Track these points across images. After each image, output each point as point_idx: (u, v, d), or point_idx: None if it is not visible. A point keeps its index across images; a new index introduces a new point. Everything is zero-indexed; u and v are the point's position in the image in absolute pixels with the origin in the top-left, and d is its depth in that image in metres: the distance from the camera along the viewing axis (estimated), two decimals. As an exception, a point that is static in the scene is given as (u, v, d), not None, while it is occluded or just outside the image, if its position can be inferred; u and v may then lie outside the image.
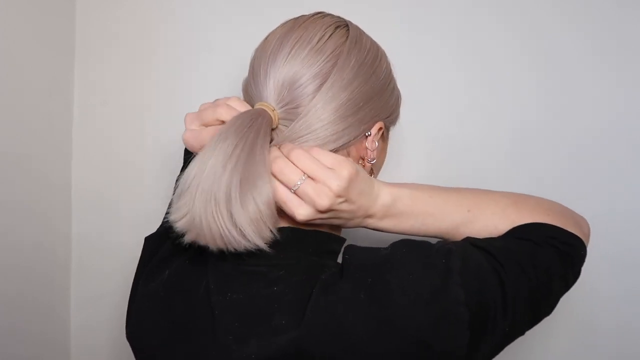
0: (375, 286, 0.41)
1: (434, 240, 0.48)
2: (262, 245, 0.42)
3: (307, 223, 0.46)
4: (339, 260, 0.50)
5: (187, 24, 0.98)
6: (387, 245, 0.47)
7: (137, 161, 1.04)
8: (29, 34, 0.92)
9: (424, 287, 0.41)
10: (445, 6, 0.84)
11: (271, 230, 0.43)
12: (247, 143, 0.42)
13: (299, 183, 0.44)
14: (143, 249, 0.56)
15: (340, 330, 0.40)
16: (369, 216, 0.49)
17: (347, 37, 0.49)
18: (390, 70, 0.54)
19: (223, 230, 0.41)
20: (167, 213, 0.65)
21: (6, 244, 0.91)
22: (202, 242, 0.43)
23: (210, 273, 0.47)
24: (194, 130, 0.49)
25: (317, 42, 0.48)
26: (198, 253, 0.50)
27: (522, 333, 0.46)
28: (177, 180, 0.70)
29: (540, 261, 0.47)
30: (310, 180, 0.44)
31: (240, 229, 0.41)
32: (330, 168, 0.44)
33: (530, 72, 0.82)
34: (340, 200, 0.44)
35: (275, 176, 0.45)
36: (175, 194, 0.44)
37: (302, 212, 0.44)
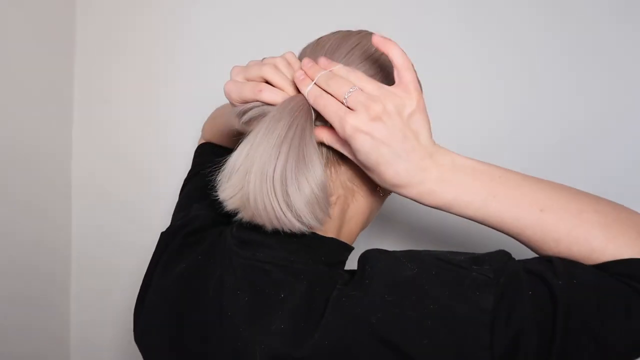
0: (390, 309, 0.39)
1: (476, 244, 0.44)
2: (317, 225, 0.42)
3: (347, 151, 0.44)
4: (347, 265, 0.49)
5: (187, 23, 0.98)
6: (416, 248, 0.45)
7: (137, 160, 1.04)
8: (29, 34, 0.92)
9: (445, 322, 0.37)
10: (449, 5, 0.84)
11: (324, 212, 0.42)
12: (299, 125, 0.42)
13: (350, 91, 0.42)
14: (157, 245, 0.56)
15: (347, 353, 0.38)
16: (424, 170, 0.43)
17: None
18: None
19: (278, 211, 0.40)
20: (177, 211, 0.65)
21: (7, 242, 0.91)
22: (258, 221, 0.43)
23: (223, 269, 0.47)
24: (237, 82, 0.47)
25: (374, 52, 0.49)
26: (210, 248, 0.50)
27: None
28: (186, 179, 0.70)
29: (637, 323, 0.38)
30: (363, 91, 0.42)
31: (296, 211, 0.41)
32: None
33: (531, 73, 0.82)
34: (397, 117, 0.42)
35: (323, 88, 0.43)
36: (224, 173, 0.43)
37: (351, 120, 0.41)
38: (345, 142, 0.44)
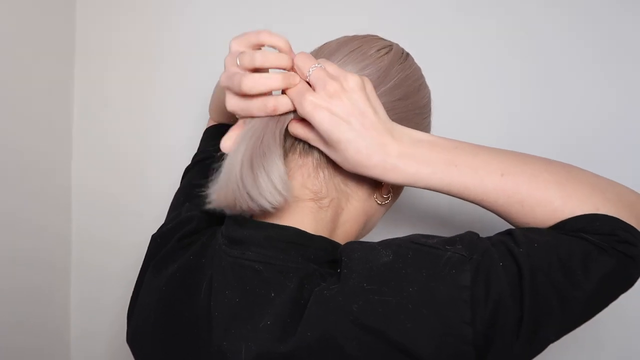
0: (371, 296, 0.39)
1: (451, 226, 0.46)
2: (267, 206, 0.43)
3: (309, 131, 0.45)
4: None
5: (187, 24, 0.98)
6: (392, 237, 0.45)
7: (137, 161, 1.04)
8: (29, 34, 0.92)
9: (426, 303, 0.38)
10: (439, 7, 0.84)
11: (282, 195, 0.43)
12: (265, 117, 0.44)
13: (314, 66, 0.44)
14: (149, 247, 0.56)
15: (331, 344, 0.39)
16: (384, 146, 0.43)
17: (401, 57, 0.51)
18: (429, 108, 0.54)
19: (235, 191, 0.42)
20: (172, 208, 0.65)
21: (6, 244, 0.91)
22: (217, 205, 0.45)
23: (213, 268, 0.47)
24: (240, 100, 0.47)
25: (372, 55, 0.49)
26: (201, 249, 0.50)
27: (537, 353, 0.41)
28: (188, 166, 0.71)
29: (596, 273, 0.40)
30: (325, 69, 0.44)
31: (248, 193, 0.42)
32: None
33: (525, 72, 0.82)
34: (354, 94, 0.43)
35: (294, 64, 0.45)
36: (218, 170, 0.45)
37: (310, 97, 0.43)
38: (309, 127, 0.45)
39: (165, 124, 1.01)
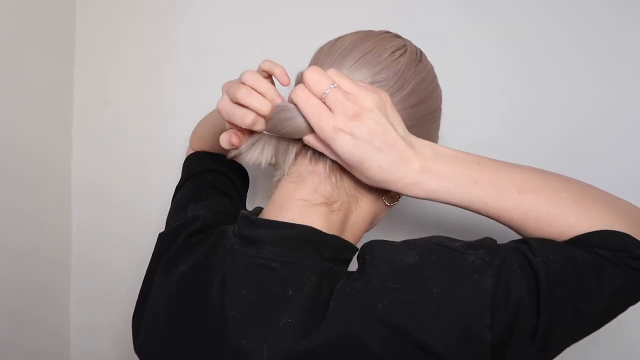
0: (396, 295, 0.40)
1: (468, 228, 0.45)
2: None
3: (330, 151, 0.45)
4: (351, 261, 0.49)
5: (187, 24, 0.98)
6: (413, 238, 0.45)
7: (137, 161, 1.04)
8: (29, 34, 0.93)
9: (449, 305, 0.39)
10: (440, 6, 0.84)
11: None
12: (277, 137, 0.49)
13: (331, 87, 0.43)
14: (156, 245, 0.55)
15: (355, 341, 0.39)
16: (406, 161, 0.44)
17: (416, 58, 0.51)
18: (440, 110, 0.54)
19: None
20: (172, 214, 0.65)
21: (5, 244, 0.91)
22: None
23: (225, 268, 0.47)
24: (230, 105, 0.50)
25: (386, 58, 0.49)
26: (211, 249, 0.50)
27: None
28: (178, 186, 0.70)
29: (608, 287, 0.41)
30: (341, 89, 0.43)
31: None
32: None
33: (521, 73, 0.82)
34: (373, 113, 0.43)
35: (305, 84, 0.44)
36: None
37: (331, 121, 0.42)
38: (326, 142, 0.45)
39: (165, 123, 1.01)
